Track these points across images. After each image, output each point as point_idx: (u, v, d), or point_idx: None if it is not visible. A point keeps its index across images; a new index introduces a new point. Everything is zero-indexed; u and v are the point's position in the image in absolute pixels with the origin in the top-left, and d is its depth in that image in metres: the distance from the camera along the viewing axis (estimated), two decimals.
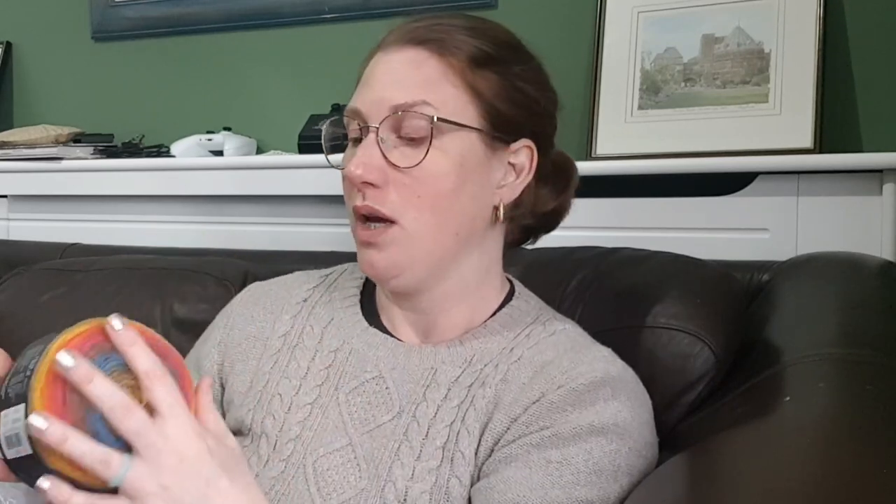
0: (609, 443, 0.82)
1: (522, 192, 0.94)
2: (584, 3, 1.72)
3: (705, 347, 1.02)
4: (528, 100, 0.93)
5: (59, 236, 1.88)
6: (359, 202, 0.89)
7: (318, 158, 1.74)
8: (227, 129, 2.03)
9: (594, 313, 1.06)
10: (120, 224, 1.98)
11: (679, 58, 1.63)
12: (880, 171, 1.39)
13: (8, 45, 2.39)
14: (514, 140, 0.92)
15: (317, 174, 1.74)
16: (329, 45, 2.03)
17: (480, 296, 0.96)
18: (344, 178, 0.92)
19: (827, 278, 1.14)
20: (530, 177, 0.94)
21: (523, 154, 0.93)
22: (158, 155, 2.02)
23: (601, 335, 0.98)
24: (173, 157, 1.98)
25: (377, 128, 0.89)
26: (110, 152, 2.02)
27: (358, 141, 0.92)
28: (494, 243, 0.96)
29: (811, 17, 1.53)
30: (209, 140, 1.99)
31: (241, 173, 1.84)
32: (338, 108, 1.84)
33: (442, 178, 0.88)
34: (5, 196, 2.10)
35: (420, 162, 0.87)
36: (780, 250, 1.37)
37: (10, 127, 2.30)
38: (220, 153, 1.97)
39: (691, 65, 1.62)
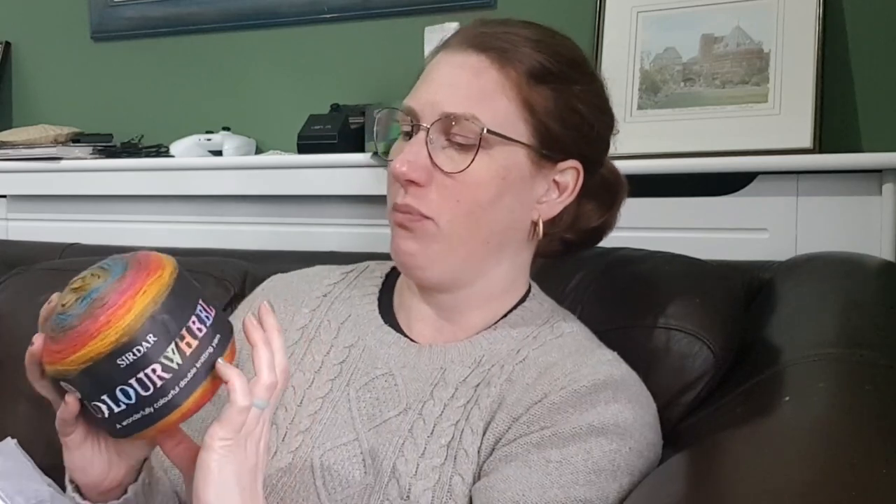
0: (609, 443, 0.82)
1: (563, 209, 0.95)
2: (583, 2, 1.72)
3: (704, 347, 1.02)
4: (582, 122, 0.93)
5: (58, 236, 1.88)
6: (399, 199, 0.90)
7: (318, 158, 1.74)
8: (227, 129, 2.03)
9: (593, 313, 1.06)
10: (119, 224, 1.98)
11: (678, 58, 1.63)
12: (880, 171, 1.39)
13: (7, 45, 2.39)
14: (562, 160, 0.93)
15: (316, 174, 1.74)
16: (328, 44, 2.02)
17: (501, 301, 0.97)
18: (389, 170, 0.93)
19: (827, 278, 1.14)
20: (572, 197, 0.95)
21: (569, 174, 0.94)
22: (157, 155, 2.02)
23: (600, 335, 0.98)
24: (172, 157, 1.98)
25: (427, 128, 0.89)
26: (109, 152, 2.02)
27: (408, 135, 0.92)
28: (527, 255, 0.97)
29: (811, 16, 1.53)
30: (208, 140, 1.99)
31: (241, 173, 1.84)
32: (337, 108, 1.84)
33: (483, 188, 0.89)
34: (4, 196, 2.10)
35: (465, 169, 0.88)
36: (779, 250, 1.37)
37: (9, 127, 2.30)
38: (219, 153, 1.97)
39: (691, 65, 1.62)
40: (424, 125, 0.89)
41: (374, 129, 1.01)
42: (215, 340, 0.73)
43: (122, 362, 0.68)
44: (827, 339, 0.95)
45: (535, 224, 0.94)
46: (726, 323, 1.06)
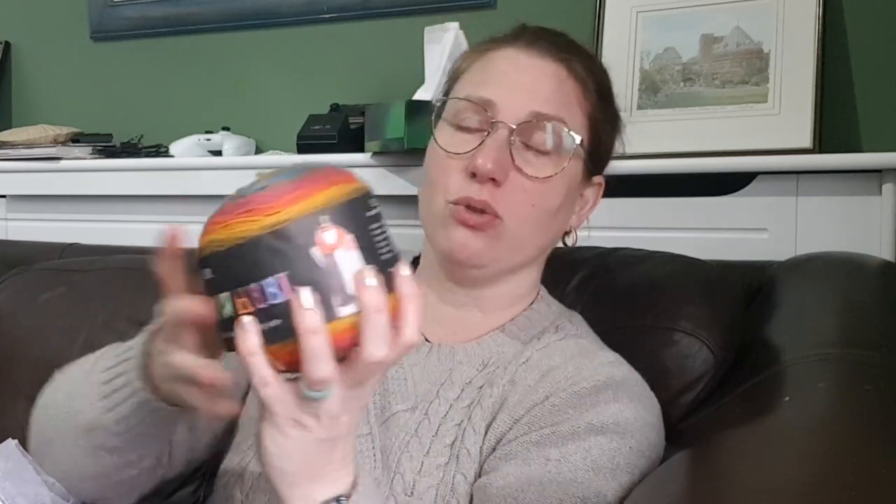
0: (609, 441, 0.82)
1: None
2: (583, 2, 1.72)
3: (704, 347, 1.02)
4: (613, 139, 0.98)
5: (57, 236, 1.88)
6: (475, 194, 0.89)
7: (318, 158, 1.74)
8: (226, 128, 2.03)
9: (593, 313, 1.06)
10: (119, 224, 1.98)
11: (678, 58, 1.63)
12: (879, 171, 1.39)
13: (7, 45, 2.39)
14: (597, 174, 0.98)
15: None
16: (328, 45, 2.02)
17: (521, 303, 0.98)
18: (446, 160, 0.91)
19: (826, 278, 1.14)
20: (594, 210, 1.00)
21: (594, 188, 0.99)
22: (157, 155, 2.02)
23: (601, 335, 0.98)
24: (172, 157, 1.98)
25: (514, 128, 0.89)
26: (109, 152, 2.02)
27: (469, 130, 0.91)
28: (545, 260, 1.00)
29: (810, 17, 1.53)
30: (208, 140, 1.99)
31: (240, 173, 1.83)
32: (337, 108, 1.84)
33: (556, 196, 0.91)
34: (4, 196, 2.10)
35: (552, 176, 0.90)
36: (779, 250, 1.37)
37: (9, 127, 2.30)
38: (218, 153, 1.97)
39: (690, 65, 1.62)
40: (511, 124, 0.89)
41: (432, 119, 0.97)
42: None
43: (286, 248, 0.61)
44: (827, 339, 0.95)
45: (566, 234, 0.99)
46: (726, 323, 1.05)
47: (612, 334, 1.00)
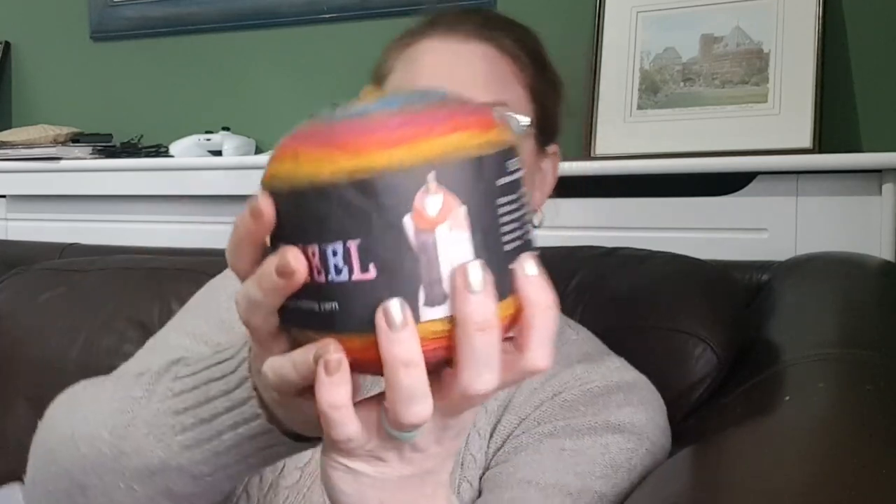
0: (626, 441, 0.80)
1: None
2: (582, 2, 1.72)
3: (707, 348, 1.02)
4: (558, 105, 0.91)
5: (57, 236, 1.88)
6: None
7: None
8: (226, 128, 2.03)
9: (594, 314, 1.06)
10: (119, 224, 1.98)
11: (678, 58, 1.63)
12: (879, 171, 1.39)
13: (7, 45, 2.39)
14: (549, 144, 0.91)
15: None
16: (328, 44, 2.02)
17: None
18: None
19: (826, 278, 1.14)
20: (555, 181, 0.92)
21: (551, 158, 0.92)
22: (157, 155, 2.02)
23: (601, 336, 0.98)
24: (172, 157, 1.98)
25: None
26: (109, 152, 2.02)
27: None
28: None
29: (810, 16, 1.53)
30: (208, 140, 1.99)
31: (240, 173, 1.84)
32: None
33: None
34: (4, 196, 2.10)
35: None
36: (779, 250, 1.37)
37: (9, 127, 2.30)
38: (218, 153, 1.97)
39: (690, 64, 1.62)
40: None
41: None
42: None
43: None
44: (827, 339, 0.95)
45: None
46: (728, 324, 1.05)
47: (614, 335, 0.99)
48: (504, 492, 0.77)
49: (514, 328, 0.45)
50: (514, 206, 0.45)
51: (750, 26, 1.58)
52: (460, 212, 0.43)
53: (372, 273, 0.42)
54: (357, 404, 0.46)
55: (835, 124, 1.54)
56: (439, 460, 0.50)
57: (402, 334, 0.42)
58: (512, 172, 0.45)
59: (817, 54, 1.51)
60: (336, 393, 0.44)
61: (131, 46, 2.25)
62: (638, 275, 1.13)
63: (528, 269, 0.45)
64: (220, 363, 0.58)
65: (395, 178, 0.42)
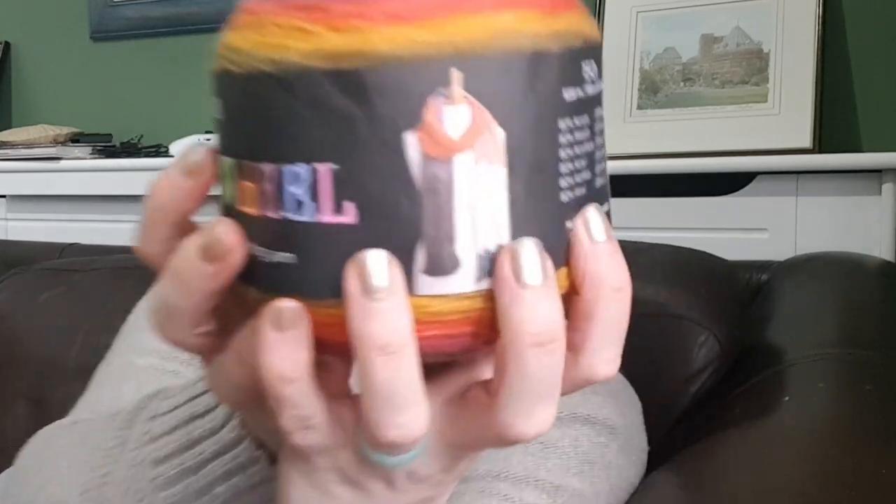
0: (597, 435, 0.72)
1: None
2: (583, 2, 1.72)
3: (710, 336, 1.02)
4: None
5: (57, 236, 1.88)
6: None
7: None
8: None
9: None
10: (119, 224, 1.98)
11: (678, 58, 1.63)
12: (879, 171, 1.40)
13: (6, 45, 2.39)
14: None
15: None
16: None
17: None
18: None
19: (826, 278, 1.14)
20: None
21: None
22: (157, 155, 2.02)
23: None
24: (172, 157, 1.98)
25: None
26: (109, 152, 2.02)
27: None
28: None
29: (810, 16, 1.53)
30: (208, 140, 1.99)
31: None
32: None
33: None
34: (4, 196, 2.10)
35: None
36: (778, 250, 1.37)
37: (9, 127, 2.30)
38: None
39: (690, 65, 1.62)
40: None
41: None
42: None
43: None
44: (827, 339, 0.95)
45: None
46: (732, 314, 1.05)
47: None
48: (470, 483, 0.65)
49: (566, 313, 0.29)
50: (583, 136, 0.30)
51: (750, 26, 1.58)
52: (496, 135, 0.27)
53: (349, 215, 0.27)
54: (335, 400, 0.32)
55: (835, 124, 1.55)
56: (443, 487, 0.34)
57: (382, 304, 0.27)
58: (587, 84, 0.30)
59: (817, 54, 1.51)
60: (288, 357, 0.28)
61: (131, 46, 2.25)
62: (641, 264, 1.13)
63: (595, 232, 0.29)
64: (202, 393, 0.44)
65: (399, 71, 0.27)
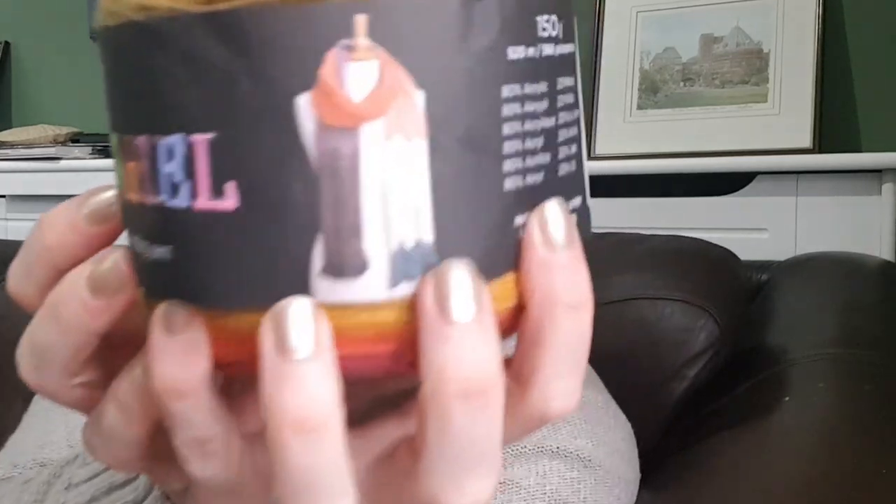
0: (569, 469, 0.63)
1: None
2: (582, 2, 1.72)
3: (710, 319, 1.01)
4: None
5: None
6: None
7: None
8: None
9: (594, 285, 1.05)
10: None
11: (678, 58, 1.63)
12: (879, 171, 1.40)
13: (6, 45, 2.39)
14: None
15: None
16: None
17: None
18: None
19: (826, 278, 1.14)
20: None
21: None
22: None
23: (601, 308, 0.97)
24: None
25: None
26: (109, 152, 2.02)
27: None
28: None
29: (810, 16, 1.53)
30: None
31: None
32: None
33: None
34: (4, 196, 2.10)
35: None
36: (778, 250, 1.37)
37: (9, 127, 2.30)
38: None
39: (690, 64, 1.62)
40: None
41: None
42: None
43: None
44: (827, 339, 0.95)
45: None
46: (731, 297, 1.04)
47: (615, 306, 0.99)
48: None
49: (514, 331, 0.24)
50: (538, 108, 0.23)
51: (750, 26, 1.58)
52: (414, 100, 0.21)
53: (230, 200, 0.22)
54: (250, 441, 0.26)
55: (835, 124, 1.55)
56: None
57: (301, 368, 0.21)
58: (544, 42, 0.23)
59: (817, 54, 1.51)
60: (179, 365, 0.23)
61: None
62: (642, 251, 1.13)
63: (553, 234, 0.23)
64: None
65: (288, 16, 0.21)
